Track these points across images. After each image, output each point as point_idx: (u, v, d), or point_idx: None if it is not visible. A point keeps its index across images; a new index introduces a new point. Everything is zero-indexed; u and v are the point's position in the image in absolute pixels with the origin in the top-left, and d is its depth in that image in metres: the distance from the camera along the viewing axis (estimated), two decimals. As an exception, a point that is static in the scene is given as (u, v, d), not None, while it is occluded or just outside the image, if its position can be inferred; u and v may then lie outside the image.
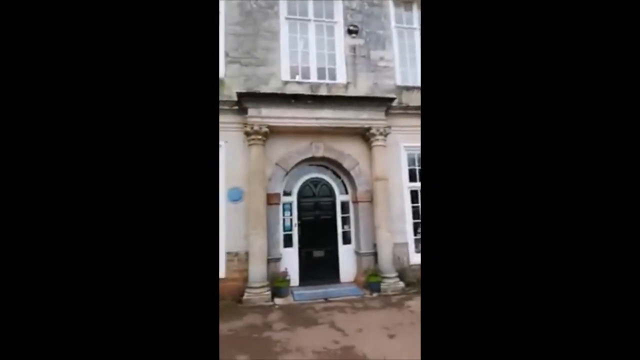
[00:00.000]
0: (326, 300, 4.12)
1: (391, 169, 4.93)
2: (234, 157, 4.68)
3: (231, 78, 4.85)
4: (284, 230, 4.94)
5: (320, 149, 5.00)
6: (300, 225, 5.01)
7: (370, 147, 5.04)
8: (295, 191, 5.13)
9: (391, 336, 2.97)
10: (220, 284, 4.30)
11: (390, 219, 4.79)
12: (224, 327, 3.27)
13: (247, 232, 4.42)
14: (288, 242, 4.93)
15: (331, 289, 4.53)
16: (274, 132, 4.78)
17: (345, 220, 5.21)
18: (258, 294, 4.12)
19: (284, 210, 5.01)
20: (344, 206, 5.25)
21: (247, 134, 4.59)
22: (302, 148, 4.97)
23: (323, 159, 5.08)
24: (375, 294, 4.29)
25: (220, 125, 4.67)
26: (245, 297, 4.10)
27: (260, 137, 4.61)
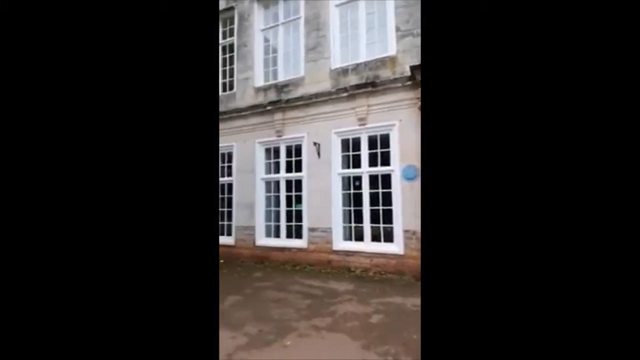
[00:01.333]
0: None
1: None
2: (407, 135, 4.57)
3: (403, 53, 4.70)
4: (467, 213, 4.38)
5: (517, 114, 3.96)
6: (488, 208, 4.26)
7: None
8: (480, 168, 4.38)
9: None
10: (400, 260, 4.44)
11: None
12: (407, 302, 3.34)
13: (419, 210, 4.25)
14: (473, 226, 4.34)
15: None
16: (453, 102, 4.24)
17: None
18: (440, 276, 3.91)
19: (466, 190, 4.42)
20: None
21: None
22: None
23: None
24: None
25: (393, 103, 4.70)
26: (425, 277, 4.02)
27: (436, 110, 4.22)
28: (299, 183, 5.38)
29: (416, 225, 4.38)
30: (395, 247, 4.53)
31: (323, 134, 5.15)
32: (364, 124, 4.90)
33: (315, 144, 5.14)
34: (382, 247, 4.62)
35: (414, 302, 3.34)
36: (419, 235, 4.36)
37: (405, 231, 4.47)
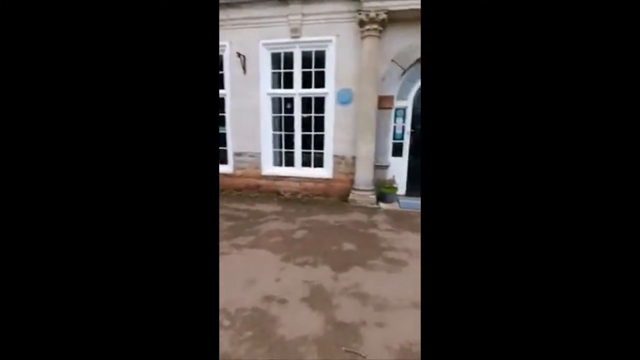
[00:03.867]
0: (436, 214, 3.80)
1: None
2: (345, 54, 4.22)
3: (345, -51, 3.99)
4: (394, 139, 4.54)
5: (450, 38, 3.91)
6: (412, 134, 4.47)
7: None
8: (411, 95, 4.43)
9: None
10: (328, 184, 4.53)
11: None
12: (331, 219, 3.48)
13: (355, 136, 4.24)
14: (397, 151, 4.56)
15: (442, 205, 4.13)
16: (393, 21, 3.95)
17: (471, 132, 4.32)
18: (363, 196, 4.15)
19: (395, 116, 4.50)
20: (472, 115, 4.28)
21: (362, 23, 3.94)
22: (425, 39, 4.01)
23: (452, 52, 4.01)
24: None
25: (330, 15, 4.16)
26: (350, 197, 4.22)
27: (376, 26, 3.90)
28: (221, 102, 4.73)
29: (345, 150, 4.40)
30: (325, 172, 4.56)
31: (249, 45, 4.41)
32: (297, 37, 4.31)
33: (239, 55, 4.40)
34: (312, 171, 4.60)
35: (337, 219, 3.50)
36: (347, 160, 4.42)
37: (335, 156, 4.48)
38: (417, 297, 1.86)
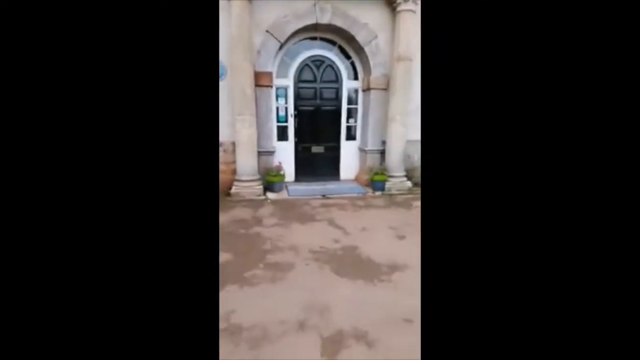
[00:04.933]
0: (324, 196, 3.71)
1: (419, 46, 3.77)
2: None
3: None
4: (278, 121, 4.16)
5: (326, 12, 3.71)
6: (297, 116, 4.20)
7: (394, 14, 3.78)
8: (291, 73, 4.09)
9: (401, 237, 2.59)
10: (205, 177, 3.80)
11: (407, 111, 3.97)
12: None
13: (232, 118, 3.63)
14: (282, 135, 4.22)
15: (330, 186, 4.10)
16: (263, -19, 3.41)
17: (352, 113, 4.38)
18: (248, 187, 3.65)
19: (277, 96, 4.10)
20: (352, 95, 4.33)
21: (225, -22, 3.23)
22: (302, 10, 3.68)
23: (329, 28, 3.85)
24: (378, 193, 3.88)
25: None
26: (233, 190, 3.65)
27: (243, -15, 3.27)
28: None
29: (223, 135, 3.73)
30: (200, 163, 3.79)
31: None
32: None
33: None
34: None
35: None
36: (226, 146, 3.79)
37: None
38: (302, 313, 1.58)
